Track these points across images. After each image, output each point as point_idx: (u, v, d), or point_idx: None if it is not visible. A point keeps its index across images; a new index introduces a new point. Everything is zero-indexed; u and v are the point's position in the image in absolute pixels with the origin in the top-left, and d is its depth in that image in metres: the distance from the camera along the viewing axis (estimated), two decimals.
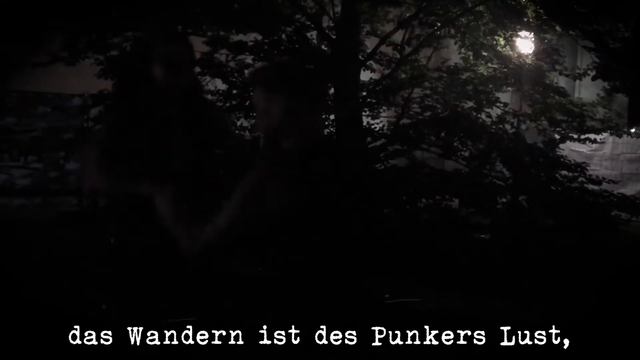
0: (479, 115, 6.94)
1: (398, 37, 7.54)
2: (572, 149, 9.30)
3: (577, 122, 7.20)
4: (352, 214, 2.33)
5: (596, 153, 10.97)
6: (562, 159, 6.77)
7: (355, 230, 2.64)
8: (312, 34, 7.38)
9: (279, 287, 2.03)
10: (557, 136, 7.42)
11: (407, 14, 7.57)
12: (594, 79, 5.88)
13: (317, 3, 7.39)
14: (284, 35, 7.07)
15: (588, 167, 6.89)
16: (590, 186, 6.64)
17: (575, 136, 7.39)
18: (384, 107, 7.51)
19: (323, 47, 7.47)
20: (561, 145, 7.28)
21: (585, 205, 6.26)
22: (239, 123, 6.76)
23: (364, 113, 7.23)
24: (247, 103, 6.61)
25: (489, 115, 6.98)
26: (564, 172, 6.69)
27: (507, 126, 7.06)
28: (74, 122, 7.56)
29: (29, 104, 7.78)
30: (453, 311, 4.51)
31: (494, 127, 6.82)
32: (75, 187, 7.60)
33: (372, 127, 7.26)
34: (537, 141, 7.28)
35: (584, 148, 9.42)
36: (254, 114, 7.10)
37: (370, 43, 7.64)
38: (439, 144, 7.04)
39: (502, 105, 7.06)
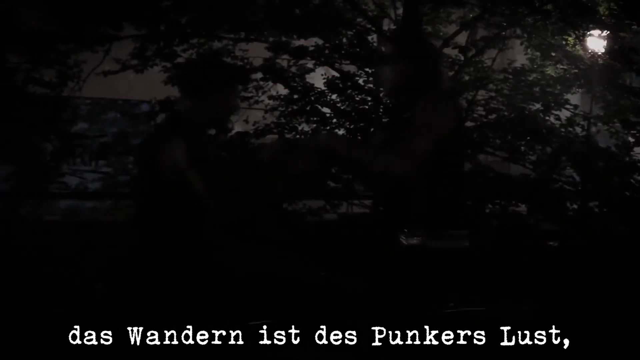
0: (547, 118, 6.69)
1: (460, 38, 7.38)
2: None
3: None
4: None
5: None
6: (638, 164, 6.44)
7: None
8: (374, 37, 7.33)
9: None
10: (631, 139, 7.06)
11: (471, 15, 7.40)
12: None
13: (378, 6, 7.34)
14: (344, 39, 7.06)
15: None
16: None
17: None
18: None
19: (384, 50, 7.39)
20: (637, 150, 6.92)
21: None
22: (300, 127, 6.79)
23: None
24: (308, 108, 6.64)
25: (558, 118, 6.72)
26: None
27: (578, 129, 6.77)
28: (142, 127, 7.82)
29: (100, 110, 8.13)
30: (517, 320, 4.38)
31: (563, 129, 6.55)
32: None
33: None
34: (608, 145, 6.95)
35: None
36: (315, 119, 7.12)
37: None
38: (504, 148, 6.84)
39: (572, 107, 6.79)
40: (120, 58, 6.65)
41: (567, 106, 6.83)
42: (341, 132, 6.73)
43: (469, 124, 7.11)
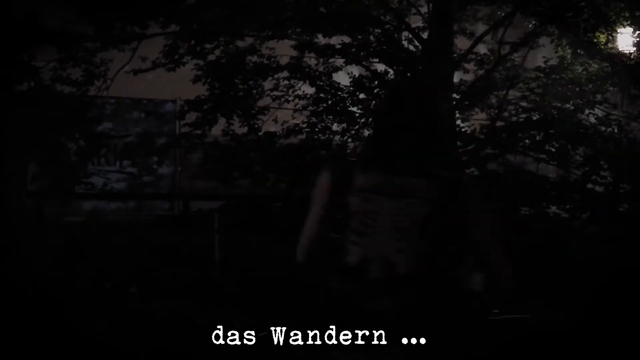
0: (581, 117, 6.55)
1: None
2: None
3: None
4: None
5: None
6: None
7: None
8: (402, 35, 7.21)
9: None
10: None
11: (499, 12, 7.27)
12: None
13: (406, 2, 7.20)
14: (372, 37, 6.95)
15: None
16: None
17: None
18: (476, 110, 7.25)
19: (412, 48, 7.28)
20: None
21: None
22: (332, 126, 6.69)
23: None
24: (338, 107, 6.53)
25: (597, 117, 6.57)
26: None
27: (615, 128, 6.62)
28: (167, 127, 7.75)
29: (125, 109, 8.04)
30: (562, 327, 4.27)
31: (603, 127, 6.40)
32: (167, 191, 7.84)
33: (463, 130, 7.01)
34: None
35: None
36: (344, 118, 6.95)
37: (458, 42, 7.39)
38: (533, 148, 6.71)
39: (610, 106, 6.63)
40: (146, 57, 6.56)
41: (606, 105, 6.67)
42: (369, 130, 6.62)
43: (499, 123, 6.99)
